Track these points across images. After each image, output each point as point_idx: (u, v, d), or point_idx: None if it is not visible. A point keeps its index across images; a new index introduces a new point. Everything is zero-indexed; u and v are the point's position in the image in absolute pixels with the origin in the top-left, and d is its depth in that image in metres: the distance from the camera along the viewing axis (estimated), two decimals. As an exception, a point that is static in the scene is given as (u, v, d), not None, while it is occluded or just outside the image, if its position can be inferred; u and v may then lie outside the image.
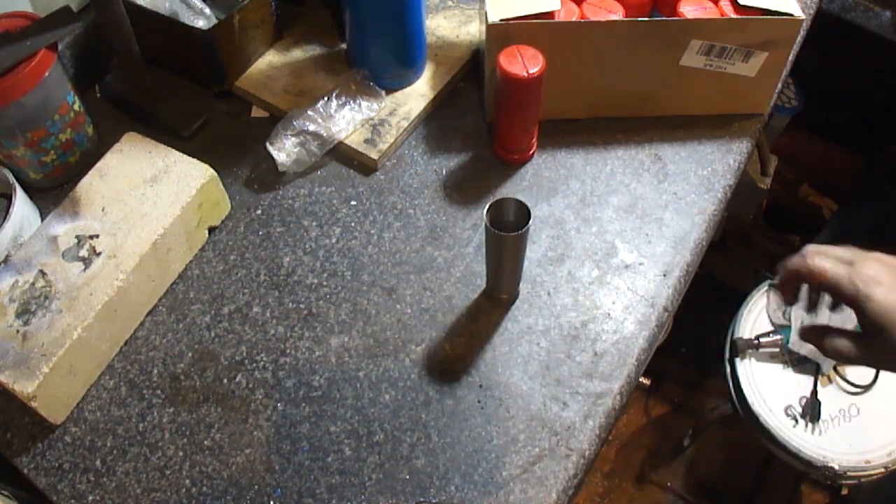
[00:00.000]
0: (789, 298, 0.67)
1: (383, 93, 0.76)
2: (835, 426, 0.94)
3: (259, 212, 0.73)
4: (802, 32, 0.80)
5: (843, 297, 0.62)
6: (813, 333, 0.65)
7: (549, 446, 0.58)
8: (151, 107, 0.79)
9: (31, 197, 0.72)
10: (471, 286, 0.67)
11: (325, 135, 0.74)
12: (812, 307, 0.68)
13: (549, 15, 0.69)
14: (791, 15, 0.69)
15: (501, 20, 0.67)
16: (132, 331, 0.66)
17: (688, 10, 0.71)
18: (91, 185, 0.67)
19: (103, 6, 0.70)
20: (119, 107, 0.81)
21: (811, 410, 0.94)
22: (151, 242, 0.64)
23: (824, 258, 0.64)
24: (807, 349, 0.95)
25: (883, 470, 0.92)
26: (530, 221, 0.56)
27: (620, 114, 0.77)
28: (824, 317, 1.01)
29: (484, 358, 0.63)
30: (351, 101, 0.75)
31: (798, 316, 0.97)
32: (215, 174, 0.69)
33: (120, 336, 0.64)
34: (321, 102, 0.75)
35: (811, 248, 0.67)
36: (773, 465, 1.25)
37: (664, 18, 0.73)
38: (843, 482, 0.94)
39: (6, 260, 0.63)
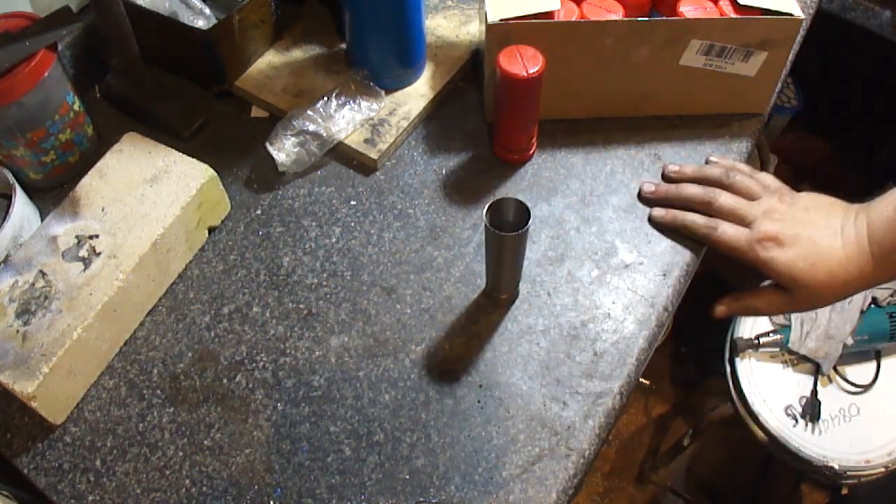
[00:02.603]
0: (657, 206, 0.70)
1: (383, 93, 0.76)
2: (835, 426, 0.94)
3: (259, 212, 0.73)
4: (802, 32, 0.80)
5: (745, 261, 0.64)
6: (733, 301, 0.67)
7: (548, 446, 0.58)
8: (151, 107, 0.79)
9: (31, 197, 0.72)
10: (471, 286, 0.67)
11: (324, 135, 0.74)
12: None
13: (549, 15, 0.69)
14: (791, 15, 0.69)
15: (501, 20, 0.67)
16: (132, 331, 0.66)
17: (687, 10, 0.71)
18: (91, 185, 0.67)
19: (103, 6, 0.70)
20: (119, 107, 0.81)
21: (811, 410, 0.94)
22: (151, 242, 0.64)
23: (727, 227, 0.65)
24: (807, 349, 0.95)
25: (883, 470, 0.92)
26: (530, 221, 0.56)
27: (620, 114, 0.77)
28: (824, 317, 1.01)
29: (484, 358, 0.63)
30: (351, 101, 0.75)
31: (798, 316, 0.97)
32: (215, 174, 0.69)
33: (120, 336, 0.65)
34: (321, 102, 0.75)
35: (700, 192, 0.68)
36: (773, 464, 1.25)
37: (664, 18, 0.73)
38: (843, 482, 0.94)
39: (6, 260, 0.63)
